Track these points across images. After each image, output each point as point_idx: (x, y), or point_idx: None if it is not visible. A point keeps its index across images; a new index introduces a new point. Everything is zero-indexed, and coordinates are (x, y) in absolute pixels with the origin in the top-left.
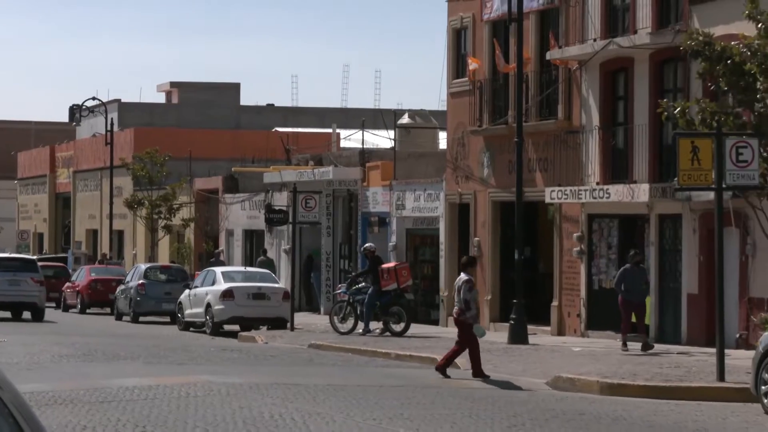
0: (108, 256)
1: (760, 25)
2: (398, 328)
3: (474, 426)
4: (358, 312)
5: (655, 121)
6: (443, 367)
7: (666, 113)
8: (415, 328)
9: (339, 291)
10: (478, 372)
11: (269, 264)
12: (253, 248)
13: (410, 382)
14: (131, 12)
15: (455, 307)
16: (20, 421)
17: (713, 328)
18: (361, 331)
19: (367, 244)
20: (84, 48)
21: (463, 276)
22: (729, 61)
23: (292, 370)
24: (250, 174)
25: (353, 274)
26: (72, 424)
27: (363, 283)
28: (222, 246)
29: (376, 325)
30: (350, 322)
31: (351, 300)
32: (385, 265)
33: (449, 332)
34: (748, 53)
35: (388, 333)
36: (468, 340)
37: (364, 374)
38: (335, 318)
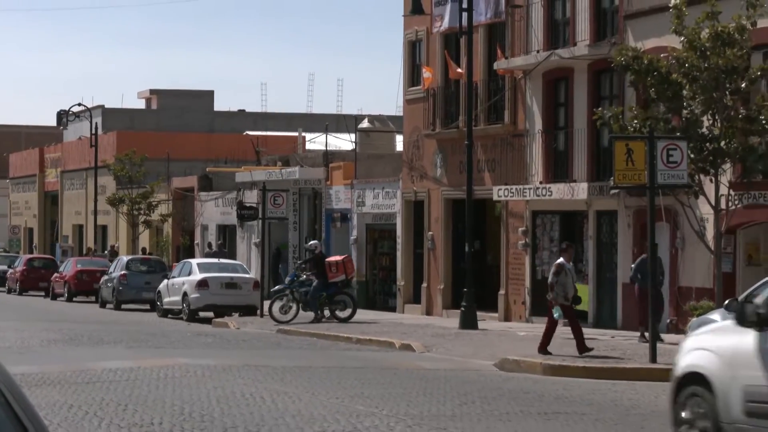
0: (93, 249)
1: (683, 39)
2: (344, 314)
3: (428, 403)
4: (301, 303)
5: (593, 126)
6: (544, 346)
7: (601, 120)
8: (375, 315)
9: (283, 286)
10: (541, 348)
11: (217, 256)
12: (226, 242)
13: (370, 363)
14: (114, 24)
15: None
16: (11, 401)
17: (646, 314)
18: (312, 320)
19: (312, 241)
20: (70, 58)
21: (558, 260)
22: (656, 73)
23: (262, 353)
24: (223, 174)
25: (299, 262)
26: (59, 403)
27: (304, 276)
28: (210, 239)
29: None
30: (292, 312)
31: (292, 291)
32: (332, 259)
33: (406, 318)
34: (676, 64)
35: (334, 320)
36: (549, 319)
37: (328, 357)
38: (275, 307)
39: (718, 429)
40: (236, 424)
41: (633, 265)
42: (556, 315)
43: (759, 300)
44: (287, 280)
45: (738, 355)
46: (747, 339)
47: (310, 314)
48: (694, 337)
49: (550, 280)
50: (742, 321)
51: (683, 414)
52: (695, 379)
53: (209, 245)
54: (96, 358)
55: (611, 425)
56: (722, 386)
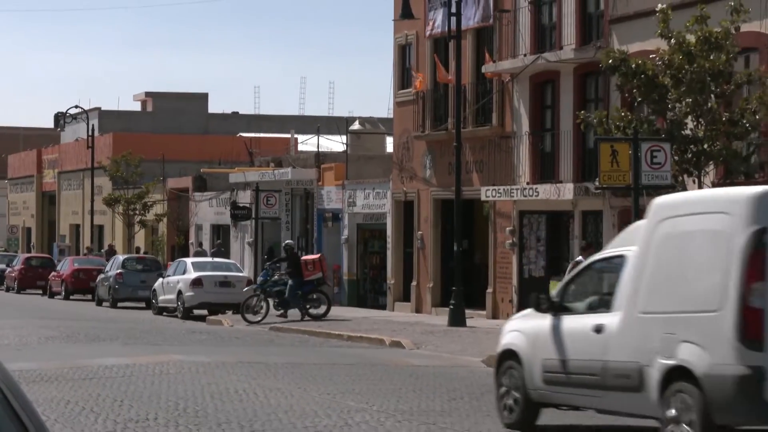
0: (87, 249)
1: (672, 41)
2: (319, 312)
3: (418, 399)
4: (275, 302)
5: (579, 128)
6: None
7: (585, 123)
8: (365, 313)
9: (256, 286)
10: None
11: (204, 254)
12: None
13: (361, 360)
14: (110, 28)
15: None
16: (9, 397)
17: None
18: (299, 317)
19: (288, 241)
20: (67, 61)
21: (577, 257)
22: (643, 76)
23: (255, 350)
24: (217, 174)
25: (269, 262)
26: (57, 399)
27: (276, 276)
28: (201, 239)
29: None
30: (262, 312)
31: (264, 291)
32: (308, 257)
33: (396, 316)
34: (663, 66)
35: (308, 317)
36: None
37: (320, 353)
38: (246, 309)
39: (526, 395)
40: (230, 419)
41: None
42: None
43: (553, 292)
44: (259, 279)
45: (538, 335)
46: (545, 323)
47: (286, 313)
48: (512, 321)
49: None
50: (537, 308)
51: (502, 383)
52: (510, 355)
53: (200, 244)
54: (92, 355)
55: (595, 418)
56: (528, 360)
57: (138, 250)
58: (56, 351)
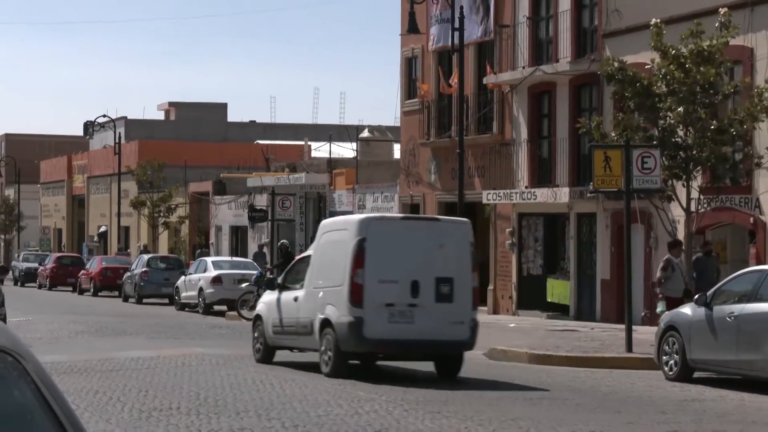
0: (119, 248)
1: (672, 52)
2: None
3: (423, 390)
4: None
5: (574, 135)
6: None
7: (584, 128)
8: None
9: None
10: None
11: (206, 254)
12: (238, 242)
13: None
14: (136, 42)
15: None
16: (41, 387)
17: (623, 308)
18: None
19: (282, 240)
20: (96, 73)
21: (666, 255)
22: (638, 84)
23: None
24: (236, 179)
25: (268, 266)
26: (86, 389)
27: (271, 275)
28: (265, 240)
29: None
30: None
31: (259, 288)
32: (301, 256)
33: None
34: (659, 77)
35: None
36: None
37: None
38: (242, 305)
39: (265, 342)
40: (247, 408)
41: (677, 262)
42: (659, 309)
43: (293, 274)
44: (253, 278)
45: (270, 304)
46: (274, 296)
47: None
48: (264, 295)
49: (658, 275)
50: (269, 288)
51: (254, 335)
52: (258, 317)
53: (200, 245)
54: (119, 348)
55: (591, 409)
56: (265, 320)
57: (173, 250)
58: (85, 344)
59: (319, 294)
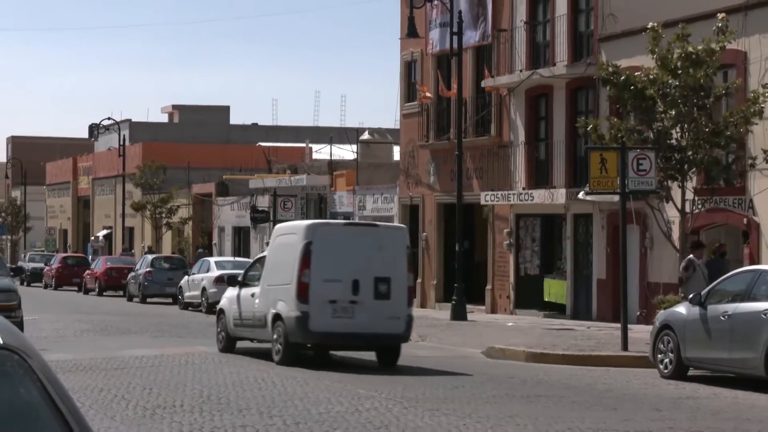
0: (124, 249)
1: (656, 57)
2: None
3: (422, 387)
4: None
5: (571, 137)
6: None
7: (583, 128)
8: None
9: None
10: None
11: (205, 255)
12: (241, 242)
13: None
14: (140, 46)
15: None
16: (46, 385)
17: (618, 307)
18: None
19: None
20: (101, 76)
21: (689, 256)
22: (633, 88)
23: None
24: (238, 181)
25: None
26: (91, 387)
27: None
28: (267, 240)
29: None
30: None
31: None
32: None
33: None
34: (649, 81)
35: None
36: None
37: None
38: None
39: (227, 333)
40: (250, 406)
41: (699, 263)
42: None
43: (252, 272)
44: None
45: (232, 299)
46: (236, 292)
47: None
48: (227, 291)
49: (679, 275)
50: (231, 285)
51: (218, 327)
52: (220, 311)
53: (203, 246)
54: (124, 346)
55: (587, 407)
56: (227, 313)
57: (181, 251)
58: (90, 343)
59: (272, 291)
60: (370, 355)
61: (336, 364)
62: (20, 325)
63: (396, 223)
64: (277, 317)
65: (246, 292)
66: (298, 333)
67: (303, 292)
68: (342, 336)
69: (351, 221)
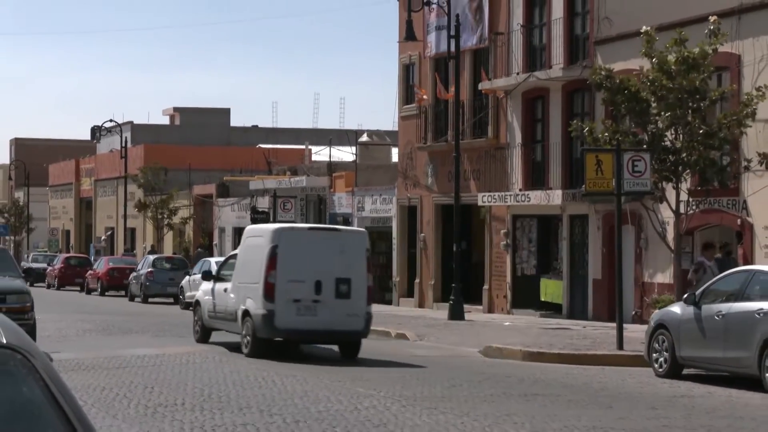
0: (125, 250)
1: (654, 60)
2: None
3: (421, 386)
4: None
5: (567, 139)
6: None
7: (576, 132)
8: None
9: None
10: None
11: (205, 255)
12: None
13: (369, 350)
14: (141, 50)
15: None
16: (49, 384)
17: (614, 307)
18: None
19: None
20: (103, 79)
21: (699, 258)
22: (626, 91)
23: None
24: (239, 182)
25: None
26: (93, 385)
27: None
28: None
29: None
30: None
31: None
32: None
33: (400, 310)
34: (645, 83)
35: None
36: None
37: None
38: None
39: (203, 324)
40: (250, 404)
41: (709, 264)
42: None
43: (225, 267)
44: None
45: (206, 292)
46: (210, 286)
47: None
48: (202, 284)
49: (689, 276)
50: (206, 279)
51: (194, 318)
52: (196, 303)
53: (203, 246)
54: (125, 345)
55: (583, 405)
56: (202, 305)
57: (187, 251)
58: (92, 342)
59: (242, 288)
60: (336, 348)
61: (305, 356)
62: (33, 327)
63: (356, 228)
64: (246, 313)
65: (219, 286)
66: (264, 329)
67: (269, 292)
68: (305, 332)
69: (314, 226)
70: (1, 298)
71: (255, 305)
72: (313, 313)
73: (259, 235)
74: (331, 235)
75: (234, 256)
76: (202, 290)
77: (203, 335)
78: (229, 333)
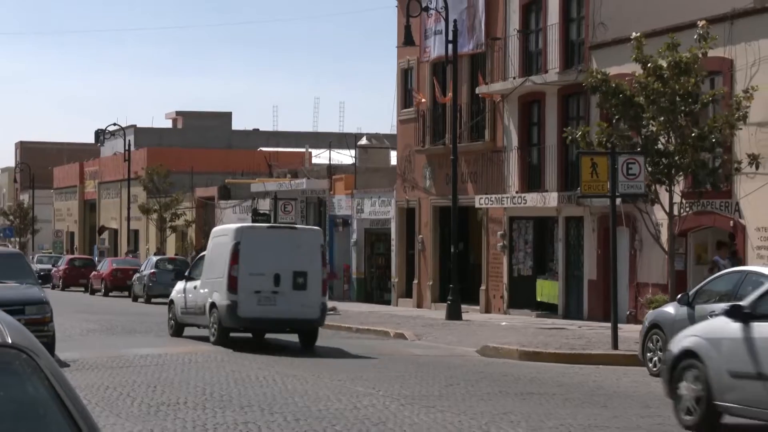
0: (128, 251)
1: (649, 65)
2: None
3: (419, 385)
4: None
5: (563, 143)
6: None
7: (570, 137)
8: (372, 307)
9: None
10: None
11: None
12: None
13: (368, 350)
14: (145, 54)
15: None
16: (54, 383)
17: (608, 307)
18: None
19: None
20: (107, 83)
21: (714, 257)
22: (621, 95)
23: (274, 341)
24: (240, 184)
25: None
26: (97, 384)
27: None
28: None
29: None
30: None
31: None
32: None
33: (399, 310)
34: (638, 88)
35: None
36: None
37: (331, 344)
38: None
39: (176, 320)
40: (251, 403)
41: (723, 263)
42: None
43: (195, 268)
44: None
45: (178, 291)
46: (182, 285)
47: None
48: (177, 284)
49: (705, 275)
50: (178, 278)
51: (169, 315)
52: (171, 302)
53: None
54: (129, 345)
55: (578, 404)
56: (176, 303)
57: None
58: (96, 342)
59: (209, 283)
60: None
61: (269, 346)
62: (52, 339)
63: (312, 226)
64: (213, 305)
65: (190, 285)
66: (229, 319)
67: (233, 284)
68: (266, 321)
69: (273, 224)
70: (20, 308)
71: (220, 297)
72: (272, 304)
73: (224, 234)
74: (289, 233)
75: (203, 257)
76: (175, 290)
77: (177, 330)
78: (201, 327)
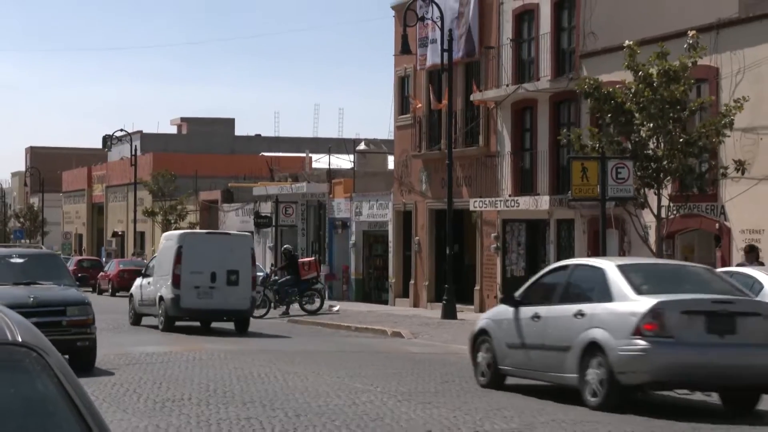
0: (135, 252)
1: (640, 73)
2: (313, 307)
3: (415, 382)
4: (276, 298)
5: (554, 148)
6: None
7: (564, 140)
8: (370, 307)
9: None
10: None
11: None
12: None
13: (366, 348)
14: (151, 64)
15: None
16: (63, 381)
17: None
18: (281, 312)
19: (286, 245)
20: (114, 91)
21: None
22: (612, 102)
23: (275, 339)
24: (243, 188)
25: (274, 268)
26: (104, 381)
27: (276, 277)
28: (269, 244)
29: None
30: (265, 308)
31: (265, 289)
32: (305, 259)
33: (396, 310)
34: (630, 95)
35: (304, 312)
36: None
37: (331, 342)
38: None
39: (135, 311)
40: (253, 399)
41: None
42: None
43: (150, 267)
44: (260, 279)
45: (137, 286)
46: (140, 281)
47: (288, 309)
48: (136, 281)
49: None
50: (139, 276)
51: (130, 308)
52: (130, 297)
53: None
54: (135, 343)
55: (570, 400)
56: (135, 297)
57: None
58: (104, 340)
59: (159, 280)
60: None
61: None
62: (94, 342)
63: (243, 232)
64: (161, 298)
65: (145, 281)
66: (173, 309)
67: (176, 281)
68: (204, 311)
69: (210, 231)
70: (61, 309)
71: (167, 291)
72: (209, 297)
73: (170, 239)
74: (224, 238)
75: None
76: (135, 285)
77: (135, 320)
78: (155, 317)
